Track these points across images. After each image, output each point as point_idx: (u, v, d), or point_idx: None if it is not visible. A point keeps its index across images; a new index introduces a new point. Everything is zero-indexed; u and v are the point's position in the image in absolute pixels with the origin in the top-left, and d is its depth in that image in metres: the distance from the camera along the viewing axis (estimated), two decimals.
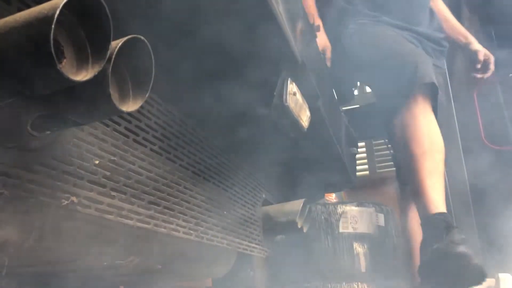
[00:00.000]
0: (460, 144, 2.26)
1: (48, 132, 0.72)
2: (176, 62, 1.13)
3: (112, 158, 0.98)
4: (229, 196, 1.61)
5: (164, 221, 1.17)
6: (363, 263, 2.59)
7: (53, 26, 0.51)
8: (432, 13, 2.68)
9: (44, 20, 0.52)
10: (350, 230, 2.62)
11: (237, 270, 1.88)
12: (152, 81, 0.71)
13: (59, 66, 0.53)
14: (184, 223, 1.26)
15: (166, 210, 1.18)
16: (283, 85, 1.27)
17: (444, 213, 1.91)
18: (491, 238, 2.20)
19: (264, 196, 1.98)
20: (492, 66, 2.59)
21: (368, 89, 5.65)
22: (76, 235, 0.93)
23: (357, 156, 2.67)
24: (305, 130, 1.45)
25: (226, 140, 1.58)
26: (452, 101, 2.36)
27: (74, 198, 0.86)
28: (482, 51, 2.61)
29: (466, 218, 2.18)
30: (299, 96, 1.37)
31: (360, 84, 3.52)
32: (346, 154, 2.22)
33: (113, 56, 0.62)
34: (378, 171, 5.75)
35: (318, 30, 2.09)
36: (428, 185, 2.00)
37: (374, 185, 5.26)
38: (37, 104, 0.66)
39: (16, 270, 0.97)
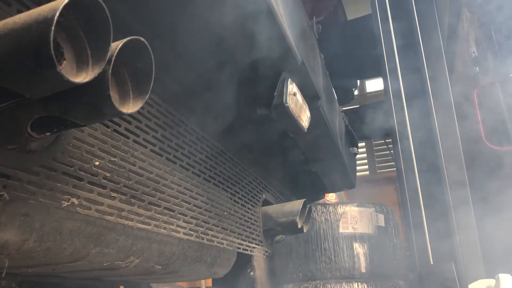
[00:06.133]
0: (460, 144, 2.26)
1: (48, 134, 0.72)
2: (176, 63, 1.12)
3: (112, 159, 0.98)
4: (229, 196, 1.61)
5: (164, 222, 1.16)
6: (363, 263, 2.59)
7: (53, 28, 0.51)
8: None
9: (44, 22, 0.52)
10: (350, 230, 2.62)
11: (237, 270, 1.88)
12: (152, 82, 0.71)
13: (59, 68, 0.53)
14: (184, 224, 1.26)
15: (166, 211, 1.18)
16: (283, 85, 1.27)
17: None
18: (491, 238, 2.20)
19: (264, 196, 1.98)
20: None
21: (368, 89, 5.65)
22: (77, 236, 0.92)
23: (357, 156, 2.67)
24: (305, 130, 1.45)
25: (226, 140, 1.58)
26: (452, 101, 2.35)
27: (74, 200, 0.86)
28: None
29: (466, 219, 2.18)
30: (299, 96, 1.36)
31: (360, 84, 3.52)
32: (346, 154, 2.22)
33: (113, 58, 0.61)
34: (378, 171, 5.76)
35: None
36: None
37: (374, 185, 5.26)
38: (37, 106, 0.66)
39: (16, 270, 0.97)
